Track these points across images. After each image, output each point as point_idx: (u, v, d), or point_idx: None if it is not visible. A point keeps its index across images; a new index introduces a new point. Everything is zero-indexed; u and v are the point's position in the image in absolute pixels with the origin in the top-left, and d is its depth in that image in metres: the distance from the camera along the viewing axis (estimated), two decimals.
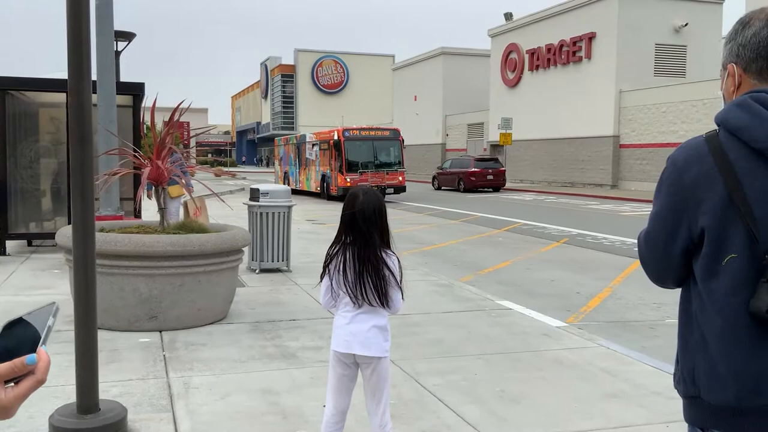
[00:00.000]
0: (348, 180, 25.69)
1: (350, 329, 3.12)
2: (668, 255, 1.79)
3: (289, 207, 9.34)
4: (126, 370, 4.91)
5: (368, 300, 3.08)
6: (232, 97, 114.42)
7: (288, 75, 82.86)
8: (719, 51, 27.43)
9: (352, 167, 26.24)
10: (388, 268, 3.09)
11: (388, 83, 66.04)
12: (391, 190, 26.43)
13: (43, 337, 1.01)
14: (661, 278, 1.88)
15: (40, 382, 1.02)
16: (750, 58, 1.74)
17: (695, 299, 1.75)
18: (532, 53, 40.94)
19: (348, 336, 3.12)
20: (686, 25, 34.93)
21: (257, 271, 9.17)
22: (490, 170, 32.55)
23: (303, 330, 6.20)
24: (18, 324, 1.04)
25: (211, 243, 6.10)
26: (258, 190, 9.29)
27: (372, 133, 27.65)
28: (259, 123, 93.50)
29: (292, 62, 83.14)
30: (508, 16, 45.03)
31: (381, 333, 3.13)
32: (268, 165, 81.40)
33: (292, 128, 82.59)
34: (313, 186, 29.81)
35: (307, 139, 31.14)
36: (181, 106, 6.43)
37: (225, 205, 8.95)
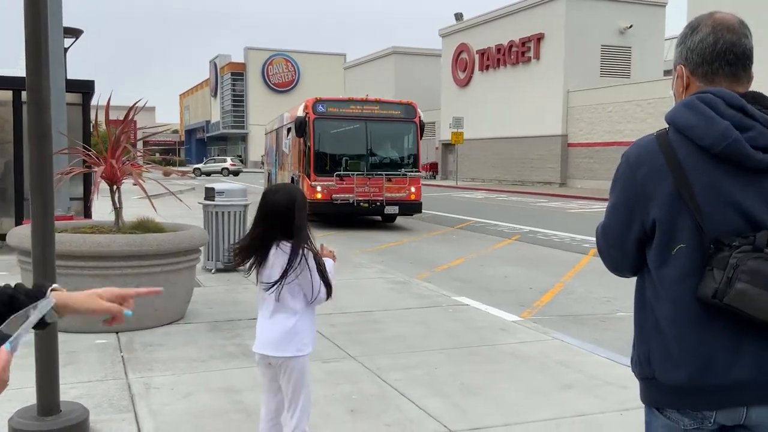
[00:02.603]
0: (318, 189, 15.34)
1: (262, 329, 3.10)
2: (623, 245, 1.90)
3: (245, 206, 9.29)
4: (84, 372, 4.84)
5: (277, 297, 3.03)
6: (181, 95, 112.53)
7: (238, 73, 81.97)
8: (662, 52, 28.34)
9: (325, 167, 15.74)
10: (297, 263, 2.99)
11: (339, 82, 65.97)
12: (395, 210, 15.69)
13: (16, 333, 1.03)
14: (617, 267, 1.99)
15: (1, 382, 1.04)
16: (697, 62, 1.86)
17: (649, 287, 1.87)
18: (483, 53, 41.49)
19: (260, 334, 3.10)
20: (631, 26, 35.93)
21: (213, 271, 9.09)
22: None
23: None
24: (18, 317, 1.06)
25: (169, 242, 6.04)
26: (213, 189, 9.22)
27: (366, 109, 16.27)
28: (208, 121, 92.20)
29: (242, 60, 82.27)
30: (459, 17, 45.52)
31: (291, 332, 3.05)
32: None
33: (243, 127, 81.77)
34: None
35: (284, 121, 19.97)
36: (137, 105, 6.35)
37: (177, 204, 8.85)
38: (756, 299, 1.65)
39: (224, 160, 55.64)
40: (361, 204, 15.59)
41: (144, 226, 6.47)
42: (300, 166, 16.63)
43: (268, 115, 77.41)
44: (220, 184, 9.72)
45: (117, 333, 5.84)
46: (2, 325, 1.09)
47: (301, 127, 15.77)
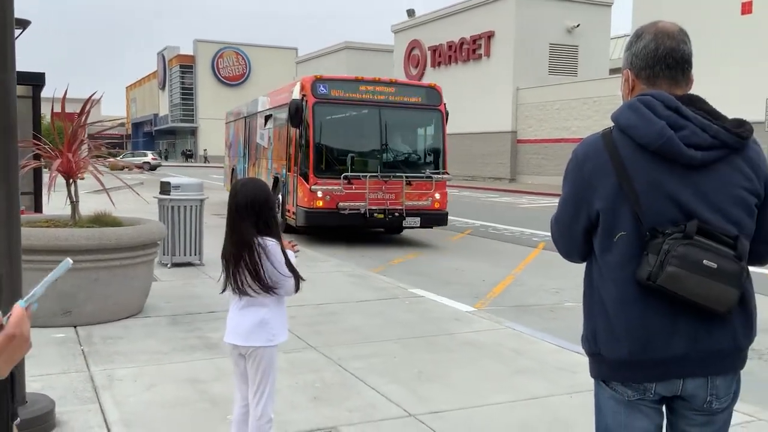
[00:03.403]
0: (319, 195, 11.91)
1: (232, 320, 3.20)
2: (573, 234, 2.10)
3: (201, 200, 9.28)
4: (45, 365, 4.83)
5: (244, 290, 3.10)
6: (127, 88, 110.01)
7: (187, 66, 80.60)
8: (608, 51, 28.99)
9: (328, 167, 12.28)
10: (265, 256, 3.07)
11: (291, 76, 65.58)
12: (416, 222, 12.29)
13: (32, 292, 1.08)
14: (569, 254, 2.20)
15: (10, 337, 1.03)
16: (641, 66, 2.06)
17: (595, 271, 2.07)
18: (435, 50, 41.86)
19: (230, 326, 3.20)
20: (578, 26, 36.80)
21: (169, 265, 9.07)
22: None
23: (223, 322, 6.14)
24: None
25: (128, 236, 6.05)
26: (169, 183, 9.18)
27: (379, 92, 12.66)
28: (156, 115, 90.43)
29: (191, 53, 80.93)
30: (411, 13, 45.80)
31: (261, 323, 3.13)
32: (167, 159, 78.91)
33: (192, 121, 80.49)
34: None
35: (259, 107, 16.55)
36: (93, 98, 6.32)
37: (128, 199, 8.80)
38: (685, 281, 1.85)
39: (144, 155, 54.37)
40: (375, 215, 12.02)
41: (101, 221, 6.45)
42: (291, 164, 12.88)
43: (218, 108, 76.60)
44: (176, 178, 9.68)
45: (75, 327, 5.83)
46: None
47: (296, 113, 11.93)
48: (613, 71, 37.38)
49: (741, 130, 1.93)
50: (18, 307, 1.06)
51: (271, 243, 3.12)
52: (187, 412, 4.12)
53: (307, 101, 12.14)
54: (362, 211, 12.00)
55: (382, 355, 5.32)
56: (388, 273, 9.30)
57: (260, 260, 3.09)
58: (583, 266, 2.16)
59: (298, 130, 12.32)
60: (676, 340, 1.93)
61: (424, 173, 12.62)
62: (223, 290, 3.24)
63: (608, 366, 2.06)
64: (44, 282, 1.12)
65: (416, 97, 12.95)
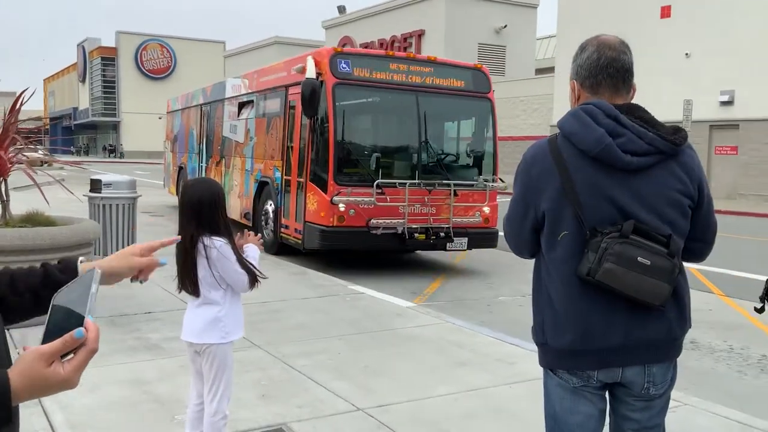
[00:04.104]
0: (342, 208, 8.98)
1: (188, 318, 3.24)
2: (522, 232, 2.26)
3: (134, 199, 9.09)
4: None
5: (191, 289, 3.15)
6: (45, 80, 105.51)
7: (109, 58, 77.96)
8: (534, 52, 29.69)
9: (356, 168, 9.50)
10: (213, 256, 3.09)
11: (219, 70, 64.39)
12: (462, 243, 9.58)
13: (88, 307, 1.12)
14: (519, 251, 2.35)
15: (93, 351, 1.12)
16: (585, 75, 2.22)
17: (543, 267, 2.23)
18: (366, 47, 41.96)
19: (186, 324, 3.24)
20: (505, 26, 37.68)
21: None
22: None
23: (162, 322, 6.20)
24: (60, 297, 1.16)
25: (63, 236, 5.90)
26: (100, 180, 8.95)
27: (415, 70, 9.81)
28: (76, 108, 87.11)
29: (113, 44, 78.31)
30: (342, 9, 45.80)
31: (214, 321, 3.16)
32: (87, 154, 76.16)
33: (115, 115, 77.94)
34: (238, 209, 12.54)
35: (229, 91, 13.77)
36: (25, 94, 6.13)
37: (54, 197, 8.53)
38: (621, 277, 2.01)
39: (36, 151, 52.49)
40: (415, 235, 9.11)
41: (34, 220, 6.26)
42: (290, 166, 10.06)
43: (142, 102, 74.65)
44: (107, 175, 9.44)
45: (8, 329, 5.64)
46: (56, 298, 1.14)
47: (312, 98, 8.85)
48: (539, 71, 38.49)
49: (675, 137, 2.11)
50: (90, 322, 1.11)
51: (219, 242, 3.14)
52: (134, 413, 4.10)
53: (324, 82, 9.07)
54: (399, 231, 9.01)
55: (327, 351, 5.39)
56: (327, 270, 9.33)
57: (207, 261, 3.13)
58: (512, 265, 2.32)
59: (311, 122, 9.28)
60: (613, 331, 2.10)
61: (475, 180, 9.81)
62: (179, 289, 3.25)
63: (554, 355, 2.22)
64: (91, 295, 1.14)
65: (460, 80, 9.96)
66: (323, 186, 9.08)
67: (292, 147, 10.19)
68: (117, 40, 77.89)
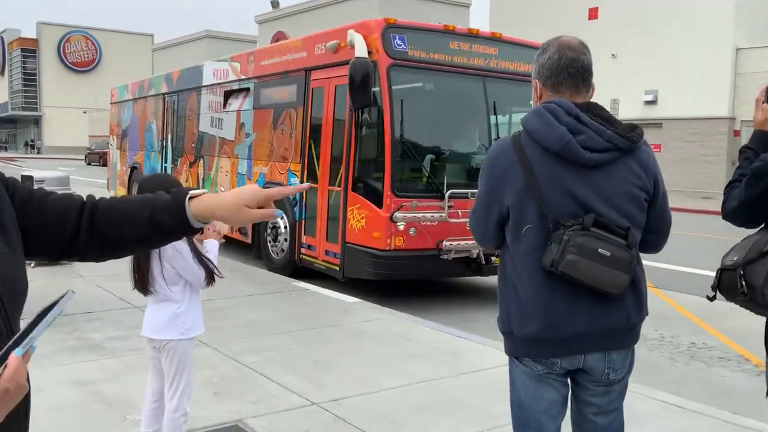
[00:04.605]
0: (401, 227, 7.01)
1: (148, 314, 3.22)
2: (487, 226, 2.34)
3: None
4: None
5: (141, 287, 3.13)
6: None
7: (29, 50, 74.78)
8: None
9: (419, 175, 7.58)
10: (167, 251, 3.07)
11: (147, 64, 62.65)
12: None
13: (26, 340, 0.99)
14: (484, 243, 2.44)
15: (4, 391, 0.97)
16: (546, 75, 2.32)
17: (508, 259, 2.32)
18: None
19: (146, 321, 3.22)
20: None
21: (32, 265, 8.51)
22: None
23: (103, 322, 6.04)
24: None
25: None
26: (31, 177, 8.63)
27: (478, 51, 7.82)
28: None
29: (34, 36, 75.08)
30: (275, 4, 45.30)
31: (173, 317, 3.15)
32: (6, 150, 72.83)
33: (36, 109, 74.81)
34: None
35: (209, 78, 11.68)
36: None
37: None
38: (582, 267, 2.11)
39: None
40: (493, 259, 7.30)
41: None
42: (332, 172, 7.97)
43: (65, 96, 71.90)
44: (39, 171, 9.10)
45: None
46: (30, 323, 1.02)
47: (365, 83, 6.96)
48: None
49: (632, 134, 2.22)
50: (14, 357, 0.98)
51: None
52: (82, 415, 3.99)
53: (378, 61, 7.11)
54: (474, 255, 7.27)
55: (277, 348, 5.38)
56: (265, 267, 9.25)
57: (161, 257, 3.09)
58: None
59: (356, 115, 7.44)
60: (576, 320, 2.20)
61: None
62: (134, 287, 3.20)
63: (519, 343, 2.30)
64: (45, 321, 1.02)
65: (528, 63, 7.51)
66: (376, 198, 7.09)
67: (316, 146, 8.23)
68: (38, 32, 74.76)
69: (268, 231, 9.10)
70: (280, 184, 8.52)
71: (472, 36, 7.93)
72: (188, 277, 3.15)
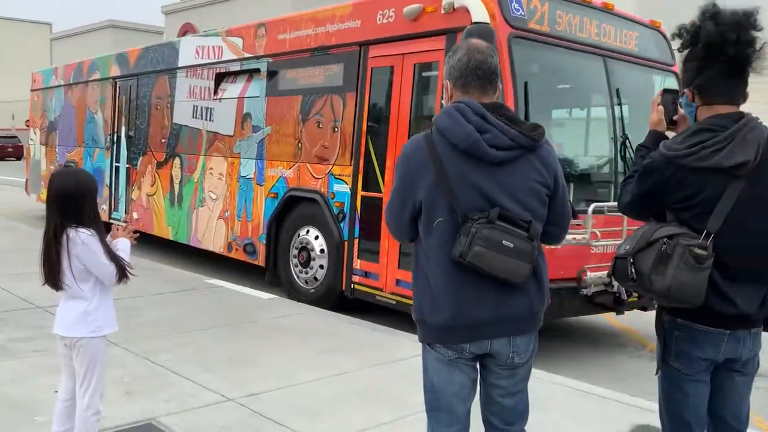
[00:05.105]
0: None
1: (59, 311, 3.17)
2: (401, 219, 2.45)
3: None
4: None
5: (52, 282, 3.08)
6: None
7: None
8: None
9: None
10: (77, 247, 3.03)
11: (45, 54, 59.52)
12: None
13: None
14: (398, 236, 2.56)
15: None
16: (456, 76, 2.44)
17: (421, 251, 2.44)
18: None
19: (57, 318, 3.17)
20: None
21: None
22: (9, 146, 44.00)
23: (4, 322, 5.77)
24: None
25: None
26: None
27: (605, 29, 6.26)
28: None
29: None
30: None
31: (84, 314, 3.10)
32: None
33: None
34: (220, 236, 8.70)
35: (190, 57, 9.51)
36: None
37: None
38: (488, 258, 2.24)
39: None
40: (631, 294, 5.95)
41: None
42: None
43: None
44: None
45: None
46: None
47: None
48: None
49: (534, 133, 2.37)
50: None
51: (84, 234, 3.06)
52: None
53: (497, 32, 5.41)
54: (615, 288, 5.82)
55: (190, 345, 5.32)
56: (180, 265, 9.07)
57: (70, 253, 3.04)
58: None
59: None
60: (483, 308, 2.34)
61: None
62: (43, 282, 3.12)
63: (431, 331, 2.42)
64: None
65: (641, 44, 6.69)
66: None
67: (380, 144, 6.50)
68: None
69: (294, 252, 7.36)
70: (315, 193, 7.13)
71: (604, 8, 6.37)
72: (97, 272, 3.10)
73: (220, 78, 8.87)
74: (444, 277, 2.34)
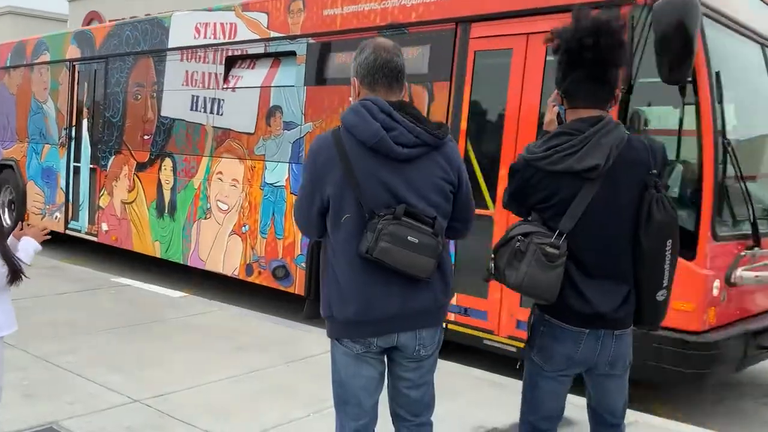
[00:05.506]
0: (715, 289, 4.30)
1: None
2: (309, 215, 2.47)
3: None
4: None
5: None
6: None
7: None
8: None
9: (741, 205, 4.51)
10: None
11: None
12: None
13: None
14: (307, 232, 2.57)
15: None
16: (363, 74, 2.48)
17: (329, 247, 2.47)
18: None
19: None
20: None
21: None
22: None
23: None
24: None
25: None
26: None
27: None
28: None
29: None
30: None
31: None
32: None
33: None
34: (231, 256, 7.16)
35: (186, 36, 7.82)
36: None
37: None
38: (394, 254, 2.29)
39: None
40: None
41: None
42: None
43: None
44: None
45: None
46: None
47: (686, 42, 3.93)
48: None
49: (438, 131, 2.43)
50: None
51: None
52: None
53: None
54: None
55: (96, 346, 5.15)
56: (83, 263, 8.72)
57: None
58: None
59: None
60: (390, 302, 2.38)
61: None
62: None
63: (340, 326, 2.46)
64: None
65: None
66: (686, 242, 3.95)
67: (491, 148, 5.34)
68: None
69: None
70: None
71: None
72: None
73: (232, 62, 7.29)
74: (351, 272, 2.37)
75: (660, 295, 2.37)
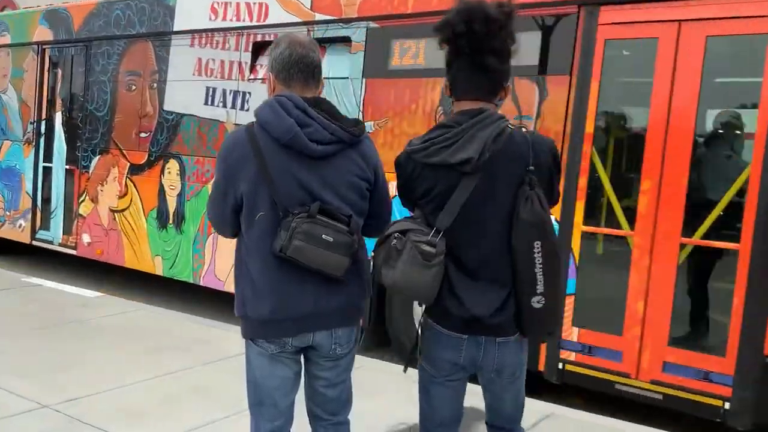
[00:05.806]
0: None
1: None
2: (223, 213, 2.42)
3: None
4: None
5: None
6: None
7: None
8: None
9: None
10: None
11: None
12: None
13: None
14: (221, 230, 2.51)
15: None
16: (279, 69, 2.43)
17: (243, 245, 2.42)
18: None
19: None
20: None
21: None
22: None
23: None
24: None
25: None
26: None
27: None
28: None
29: None
30: None
31: None
32: None
33: None
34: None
35: (192, 16, 6.69)
36: None
37: None
38: (308, 252, 2.25)
39: None
40: None
41: None
42: (698, 213, 4.16)
43: None
44: None
45: None
46: None
47: None
48: None
49: (354, 129, 2.41)
50: None
51: None
52: None
53: None
54: None
55: (5, 352, 4.88)
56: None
57: None
58: None
59: None
60: (305, 301, 2.35)
61: None
62: None
63: (254, 325, 2.41)
64: None
65: None
66: None
67: (628, 158, 4.68)
68: None
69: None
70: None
71: None
72: None
73: (260, 48, 6.23)
74: (265, 270, 2.33)
75: (536, 302, 2.18)
